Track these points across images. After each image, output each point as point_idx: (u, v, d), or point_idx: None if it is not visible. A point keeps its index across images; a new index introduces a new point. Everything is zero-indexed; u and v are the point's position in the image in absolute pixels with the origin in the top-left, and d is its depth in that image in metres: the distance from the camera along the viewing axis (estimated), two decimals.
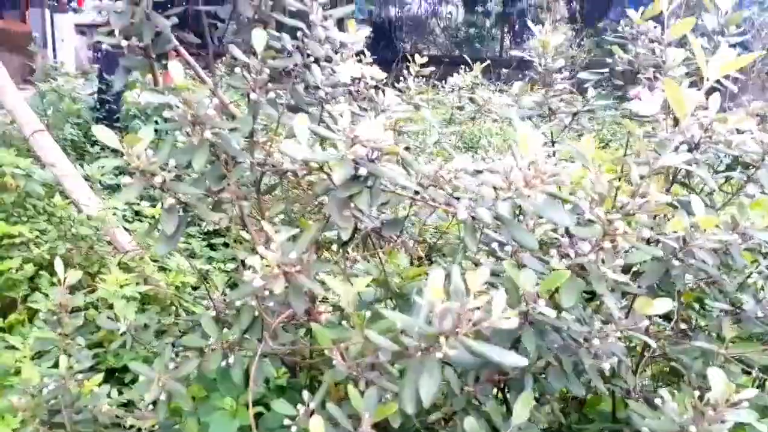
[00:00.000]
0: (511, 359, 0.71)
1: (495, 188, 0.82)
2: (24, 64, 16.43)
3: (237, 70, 0.98)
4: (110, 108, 5.25)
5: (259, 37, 0.93)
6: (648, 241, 1.01)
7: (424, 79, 2.23)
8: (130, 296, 2.63)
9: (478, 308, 0.66)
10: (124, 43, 1.01)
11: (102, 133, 0.95)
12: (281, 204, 1.16)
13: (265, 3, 1.05)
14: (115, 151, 1.00)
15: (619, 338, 1.00)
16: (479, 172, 0.86)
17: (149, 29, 0.99)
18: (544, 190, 0.82)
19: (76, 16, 22.49)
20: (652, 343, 1.03)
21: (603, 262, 0.90)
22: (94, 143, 4.81)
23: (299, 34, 1.05)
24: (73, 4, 21.01)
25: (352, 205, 0.81)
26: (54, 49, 18.89)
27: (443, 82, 3.53)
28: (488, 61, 2.71)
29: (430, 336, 0.67)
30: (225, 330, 1.08)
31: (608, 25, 20.21)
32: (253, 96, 0.96)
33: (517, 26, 21.00)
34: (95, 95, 5.73)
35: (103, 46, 1.09)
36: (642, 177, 0.94)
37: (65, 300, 1.32)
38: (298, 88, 1.05)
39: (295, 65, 1.03)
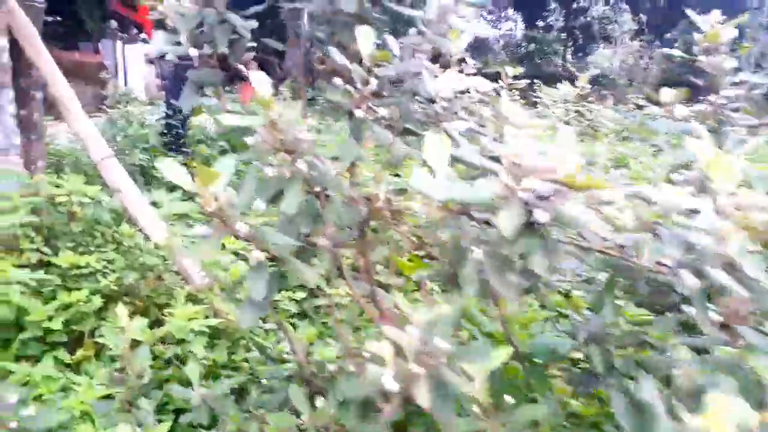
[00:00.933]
0: None
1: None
2: (97, 93, 17.16)
3: (336, 81, 0.77)
4: (177, 133, 5.23)
5: (365, 37, 0.72)
6: None
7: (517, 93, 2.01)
8: (199, 330, 2.49)
9: None
10: (193, 52, 0.83)
11: (170, 170, 0.76)
12: (382, 247, 0.93)
13: None
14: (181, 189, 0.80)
15: None
16: (693, 211, 0.60)
17: (224, 34, 0.80)
18: None
19: (145, 47, 23.45)
20: None
21: None
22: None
23: (412, 31, 0.83)
24: (143, 35, 21.87)
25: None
26: (125, 78, 19.70)
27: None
28: (594, 72, 2.44)
29: None
30: (319, 402, 0.86)
31: (676, 36, 19.43)
32: (358, 113, 0.75)
33: (581, 40, 20.39)
34: (162, 120, 5.75)
35: (169, 67, 0.92)
36: None
37: (128, 354, 1.13)
38: (408, 104, 0.82)
39: (410, 73, 0.81)
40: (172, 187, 4.63)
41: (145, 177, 4.69)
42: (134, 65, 20.14)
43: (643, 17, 17.70)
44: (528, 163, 0.52)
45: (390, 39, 0.84)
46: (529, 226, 0.55)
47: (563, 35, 20.54)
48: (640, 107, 11.02)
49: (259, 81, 0.77)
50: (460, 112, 0.91)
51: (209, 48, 0.82)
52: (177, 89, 5.48)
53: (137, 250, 2.77)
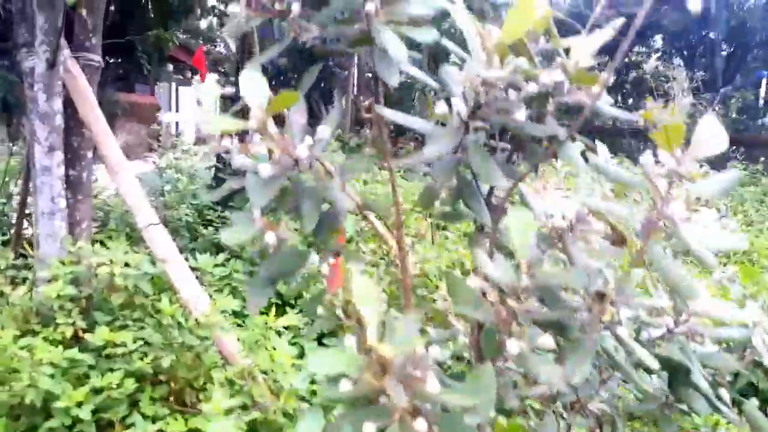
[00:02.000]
0: None
1: None
2: (150, 134, 17.62)
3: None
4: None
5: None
6: None
7: None
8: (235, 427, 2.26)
9: None
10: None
11: None
12: None
13: None
14: None
15: None
16: None
17: None
18: None
19: (197, 87, 24.19)
20: None
21: None
22: (208, 224, 4.66)
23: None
24: (197, 78, 22.58)
25: None
26: (177, 120, 20.31)
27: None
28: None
29: None
30: None
31: (731, 92, 18.90)
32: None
33: (632, 98, 20.04)
34: (212, 169, 5.68)
35: None
36: None
37: None
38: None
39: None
40: (217, 247, 4.52)
41: (191, 233, 4.57)
42: (187, 107, 20.76)
43: (699, 73, 17.30)
44: None
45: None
46: None
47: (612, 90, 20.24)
48: None
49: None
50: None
51: None
52: None
53: (176, 329, 2.58)
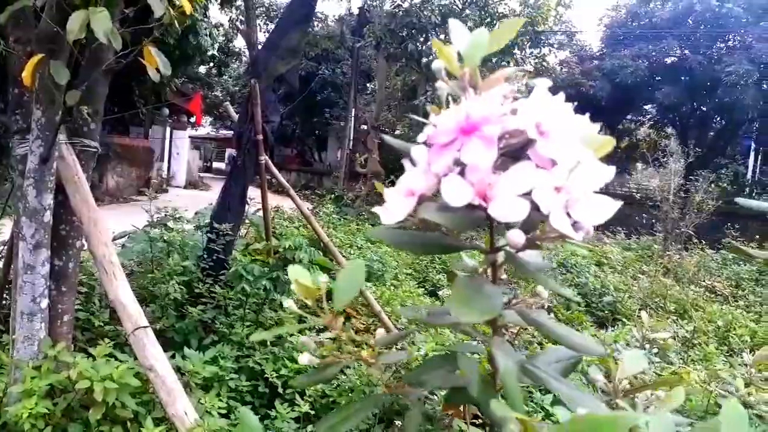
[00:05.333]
0: None
1: None
2: (141, 175, 17.43)
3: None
4: (218, 259, 4.92)
5: None
6: None
7: None
8: None
9: None
10: None
11: None
12: None
13: None
14: None
15: None
16: None
17: None
18: None
19: (191, 131, 24.20)
20: None
21: None
22: (197, 299, 4.44)
23: None
24: (192, 120, 22.60)
25: None
26: (169, 162, 20.20)
27: None
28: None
29: None
30: None
31: (725, 164, 19.16)
32: None
33: (624, 161, 20.27)
34: (203, 238, 5.47)
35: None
36: None
37: None
38: None
39: None
40: (205, 327, 4.28)
41: (178, 310, 4.33)
42: (180, 149, 20.70)
43: (690, 143, 17.58)
44: None
45: None
46: None
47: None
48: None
49: None
50: None
51: None
52: (222, 211, 5.24)
53: None
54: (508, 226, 0.55)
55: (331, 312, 0.66)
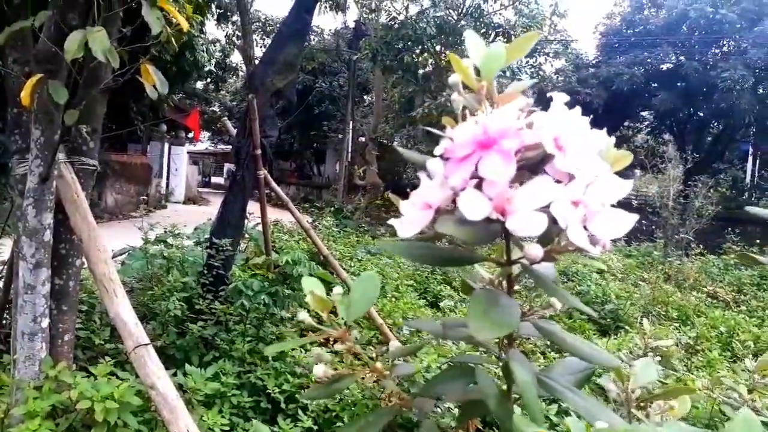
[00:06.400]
0: None
1: None
2: (140, 192, 17.41)
3: None
4: (218, 274, 4.91)
5: None
6: None
7: None
8: None
9: None
10: None
11: None
12: None
13: None
14: None
15: None
16: None
17: None
18: None
19: (189, 146, 24.26)
20: None
21: None
22: (197, 316, 4.42)
23: None
24: (190, 135, 22.66)
25: None
26: (168, 178, 20.23)
27: None
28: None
29: None
30: None
31: (724, 169, 19.19)
32: None
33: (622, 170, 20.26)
34: (203, 253, 5.47)
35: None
36: None
37: None
38: None
39: None
40: (206, 344, 4.27)
41: (178, 327, 4.32)
42: (178, 165, 20.73)
43: (688, 149, 17.61)
44: None
45: None
46: None
47: None
48: None
49: None
50: None
51: None
52: (223, 226, 5.24)
53: None
54: (524, 239, 0.56)
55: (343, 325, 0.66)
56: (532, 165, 0.56)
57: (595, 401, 0.60)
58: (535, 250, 0.53)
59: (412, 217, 0.58)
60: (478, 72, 0.61)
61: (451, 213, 0.56)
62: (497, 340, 0.67)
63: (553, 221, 0.53)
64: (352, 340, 0.65)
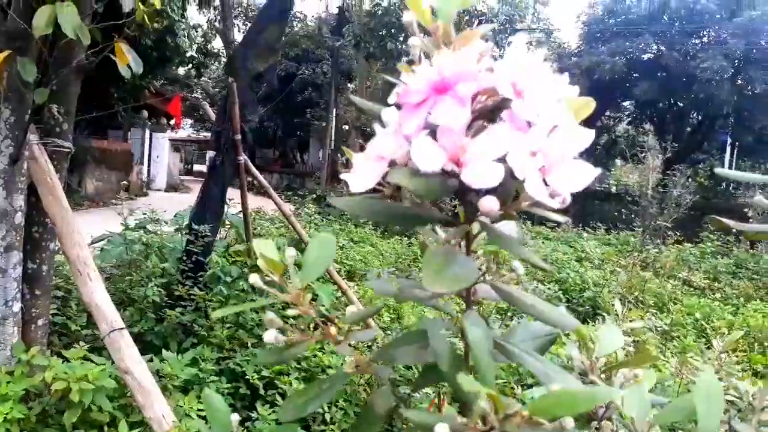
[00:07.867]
0: None
1: None
2: (121, 178, 17.20)
3: None
4: (197, 261, 4.87)
5: None
6: None
7: None
8: None
9: None
10: None
11: None
12: None
13: None
14: None
15: None
16: None
17: None
18: None
19: (171, 133, 23.94)
20: None
21: None
22: (175, 303, 4.39)
23: None
24: (172, 122, 22.37)
25: None
26: (149, 165, 19.98)
27: None
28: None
29: None
30: None
31: (702, 159, 19.42)
32: None
33: (604, 160, 20.45)
34: (183, 240, 5.42)
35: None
36: None
37: None
38: None
39: None
40: (184, 330, 4.24)
41: (156, 314, 4.28)
42: (159, 152, 20.48)
43: (668, 139, 17.84)
44: None
45: None
46: None
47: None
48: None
49: None
50: None
51: None
52: (203, 212, 5.19)
53: None
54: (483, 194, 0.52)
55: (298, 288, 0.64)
56: (490, 113, 0.53)
57: (556, 366, 0.59)
58: (489, 202, 0.51)
59: (364, 169, 0.56)
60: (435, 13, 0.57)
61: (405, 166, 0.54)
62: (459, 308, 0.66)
63: (511, 176, 0.50)
64: (306, 304, 0.63)
